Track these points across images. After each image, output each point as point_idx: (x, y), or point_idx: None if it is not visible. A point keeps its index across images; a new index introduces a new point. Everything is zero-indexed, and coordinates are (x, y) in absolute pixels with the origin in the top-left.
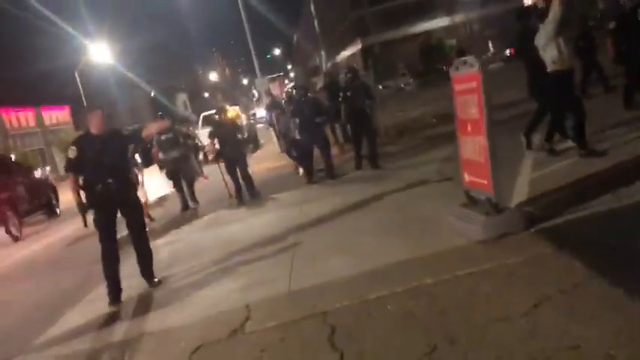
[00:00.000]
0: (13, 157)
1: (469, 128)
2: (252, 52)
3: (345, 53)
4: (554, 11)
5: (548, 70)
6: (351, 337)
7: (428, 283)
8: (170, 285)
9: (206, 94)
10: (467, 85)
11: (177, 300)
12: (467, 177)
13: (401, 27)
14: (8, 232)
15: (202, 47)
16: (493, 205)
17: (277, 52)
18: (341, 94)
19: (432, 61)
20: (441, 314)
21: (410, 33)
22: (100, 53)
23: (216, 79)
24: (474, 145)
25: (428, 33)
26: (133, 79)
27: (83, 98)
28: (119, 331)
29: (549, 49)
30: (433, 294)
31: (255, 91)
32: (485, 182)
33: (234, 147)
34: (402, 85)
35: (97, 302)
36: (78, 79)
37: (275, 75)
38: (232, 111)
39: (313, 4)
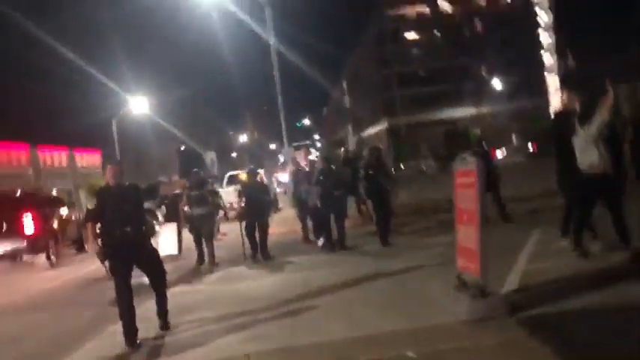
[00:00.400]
0: (54, 192)
1: (465, 218)
2: (282, 123)
3: (371, 130)
4: (602, 115)
5: (585, 172)
6: None
7: (410, 355)
8: (180, 330)
9: (234, 154)
10: (466, 180)
11: (186, 345)
12: (460, 262)
13: (428, 111)
14: (48, 258)
15: (235, 108)
16: (480, 289)
17: (307, 122)
18: (362, 171)
19: (456, 147)
20: None
21: (436, 118)
22: (139, 105)
23: (246, 141)
24: (467, 234)
25: (454, 120)
26: (166, 131)
27: (116, 145)
28: None
29: (589, 152)
30: None
31: (281, 157)
32: (475, 267)
33: (259, 207)
34: (424, 167)
35: (110, 339)
36: (114, 128)
37: (302, 143)
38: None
39: (346, 81)
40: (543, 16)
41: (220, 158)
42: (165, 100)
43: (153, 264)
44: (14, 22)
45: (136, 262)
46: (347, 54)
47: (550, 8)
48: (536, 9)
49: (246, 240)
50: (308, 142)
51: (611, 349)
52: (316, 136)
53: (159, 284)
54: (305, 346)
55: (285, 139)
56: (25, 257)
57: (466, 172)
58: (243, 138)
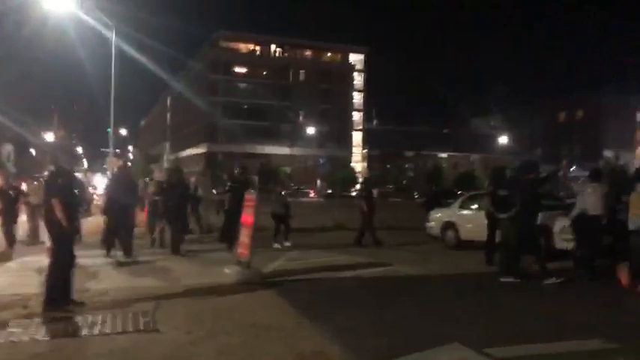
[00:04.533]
0: None
1: (245, 224)
2: (111, 129)
3: (190, 151)
4: None
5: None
6: None
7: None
8: None
9: (32, 151)
10: (250, 202)
11: None
12: (240, 249)
13: (246, 144)
14: None
15: (42, 101)
16: (246, 265)
17: (123, 130)
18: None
19: (266, 181)
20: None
21: (253, 151)
22: None
23: (52, 139)
24: (244, 234)
25: (268, 156)
26: None
27: None
28: None
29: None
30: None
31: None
32: (245, 253)
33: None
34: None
35: None
36: None
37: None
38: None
39: (170, 98)
40: (357, 78)
41: (17, 153)
42: None
43: None
44: None
45: None
46: (176, 71)
47: (363, 72)
48: (354, 72)
49: None
50: (118, 150)
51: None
52: (130, 147)
53: None
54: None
55: (111, 147)
56: None
57: (250, 198)
58: (49, 136)
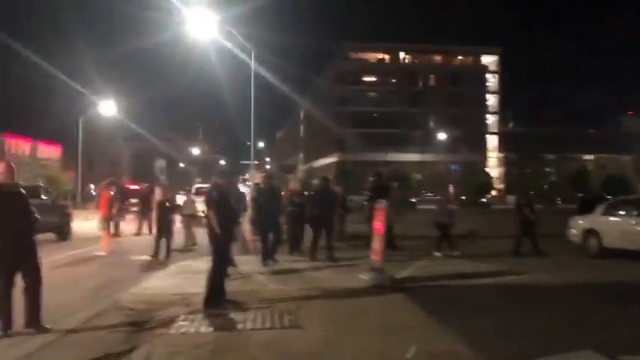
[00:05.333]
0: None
1: (376, 232)
2: (252, 142)
3: (322, 161)
4: None
5: None
6: None
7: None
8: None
9: (182, 165)
10: (379, 212)
11: None
12: (373, 255)
13: (376, 152)
14: None
15: (188, 119)
16: (378, 270)
17: (261, 143)
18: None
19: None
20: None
21: (383, 159)
22: (105, 107)
23: (197, 154)
24: (376, 241)
25: (399, 163)
26: (121, 133)
27: (79, 143)
28: None
29: None
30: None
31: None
32: (378, 259)
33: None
34: (365, 203)
35: None
36: (80, 126)
37: (249, 162)
38: None
39: (303, 111)
40: (490, 79)
41: (168, 167)
42: (127, 105)
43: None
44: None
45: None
46: (308, 84)
47: (497, 73)
48: (487, 74)
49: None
50: (257, 162)
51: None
52: (267, 158)
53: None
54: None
55: (252, 159)
56: None
57: (380, 208)
58: (195, 150)
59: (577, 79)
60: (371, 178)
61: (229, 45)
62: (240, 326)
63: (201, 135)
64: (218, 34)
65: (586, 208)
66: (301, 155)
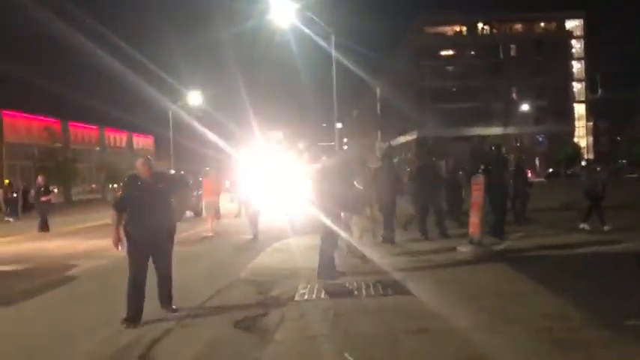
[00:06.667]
0: None
1: (474, 206)
2: (335, 128)
3: (401, 139)
4: None
5: None
6: None
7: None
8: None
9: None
10: (477, 186)
11: None
12: (471, 229)
13: (456, 127)
14: None
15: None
16: (478, 242)
17: (338, 124)
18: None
19: (480, 163)
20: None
21: (464, 134)
22: (194, 98)
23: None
24: (474, 215)
25: (481, 137)
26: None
27: (171, 134)
28: None
29: None
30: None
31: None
32: (476, 231)
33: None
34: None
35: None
36: (170, 117)
37: (326, 144)
38: None
39: (379, 88)
40: (575, 45)
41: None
42: (214, 95)
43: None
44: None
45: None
46: (382, 62)
47: (582, 38)
48: (572, 39)
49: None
50: (332, 143)
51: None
52: (344, 139)
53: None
54: None
55: (336, 140)
56: None
57: (477, 182)
58: (276, 134)
59: None
60: (492, 148)
61: (309, 31)
62: (356, 293)
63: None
64: (296, 20)
65: None
66: (379, 133)
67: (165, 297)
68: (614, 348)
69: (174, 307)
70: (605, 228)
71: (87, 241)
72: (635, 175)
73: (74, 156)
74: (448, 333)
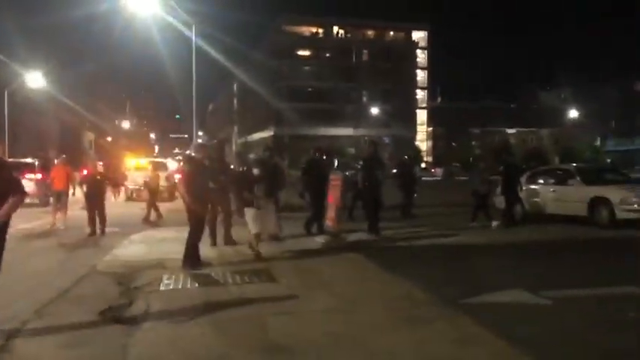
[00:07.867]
0: None
1: (332, 201)
2: (194, 120)
3: (257, 135)
4: None
5: None
6: None
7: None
8: None
9: (109, 139)
10: (336, 182)
11: None
12: (328, 222)
13: (311, 126)
14: None
15: (115, 91)
16: (333, 234)
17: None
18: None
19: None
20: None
21: (318, 134)
22: (33, 79)
23: (127, 127)
24: (332, 209)
25: (332, 137)
26: (48, 106)
27: (5, 117)
28: None
29: None
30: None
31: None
32: (333, 224)
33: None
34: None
35: None
36: (5, 100)
37: (178, 136)
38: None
39: (237, 84)
40: (420, 55)
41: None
42: (58, 78)
43: None
44: None
45: None
46: (242, 57)
47: (426, 49)
48: (417, 49)
49: None
50: (186, 135)
51: None
52: (200, 132)
53: None
54: None
55: (194, 132)
56: None
57: (335, 177)
58: (126, 124)
59: (500, 53)
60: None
61: (169, 18)
62: (222, 282)
63: (127, 108)
64: (158, 6)
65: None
66: (236, 129)
67: None
68: (452, 322)
69: None
70: (494, 224)
71: None
72: (467, 178)
73: None
74: (310, 314)
